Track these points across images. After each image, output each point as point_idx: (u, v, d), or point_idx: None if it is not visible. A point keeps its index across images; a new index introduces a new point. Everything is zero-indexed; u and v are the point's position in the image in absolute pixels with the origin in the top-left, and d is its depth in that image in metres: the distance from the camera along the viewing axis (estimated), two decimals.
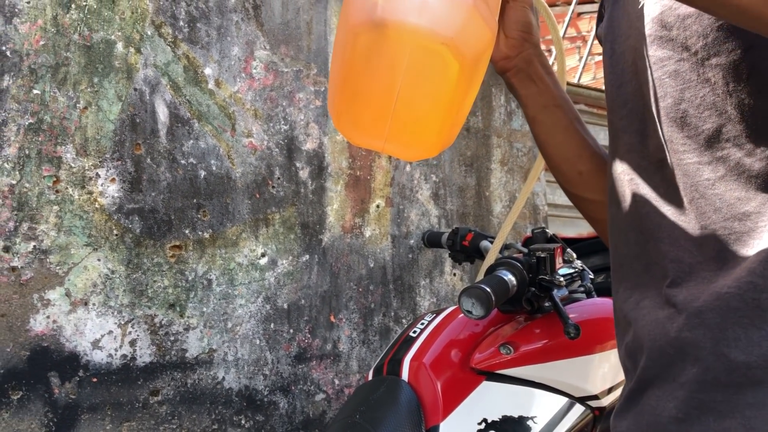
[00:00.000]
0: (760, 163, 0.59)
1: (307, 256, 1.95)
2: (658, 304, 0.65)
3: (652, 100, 0.67)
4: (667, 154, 0.65)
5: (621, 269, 0.73)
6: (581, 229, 2.98)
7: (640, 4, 0.68)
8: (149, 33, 1.69)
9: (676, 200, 0.65)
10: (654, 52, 0.66)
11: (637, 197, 0.69)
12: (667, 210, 0.65)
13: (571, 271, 1.42)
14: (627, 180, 0.71)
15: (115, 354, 1.61)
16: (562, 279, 1.29)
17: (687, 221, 0.63)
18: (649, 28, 0.66)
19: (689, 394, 0.58)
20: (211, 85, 1.78)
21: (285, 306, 1.90)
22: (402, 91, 0.61)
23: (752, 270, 0.57)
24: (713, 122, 0.62)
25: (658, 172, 0.67)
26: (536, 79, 0.92)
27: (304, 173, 1.95)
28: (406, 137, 0.65)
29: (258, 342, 1.84)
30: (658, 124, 0.66)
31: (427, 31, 0.58)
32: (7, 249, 1.46)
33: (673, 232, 0.64)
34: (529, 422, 1.23)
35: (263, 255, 1.86)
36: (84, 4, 1.58)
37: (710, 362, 0.57)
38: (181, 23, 1.74)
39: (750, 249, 0.58)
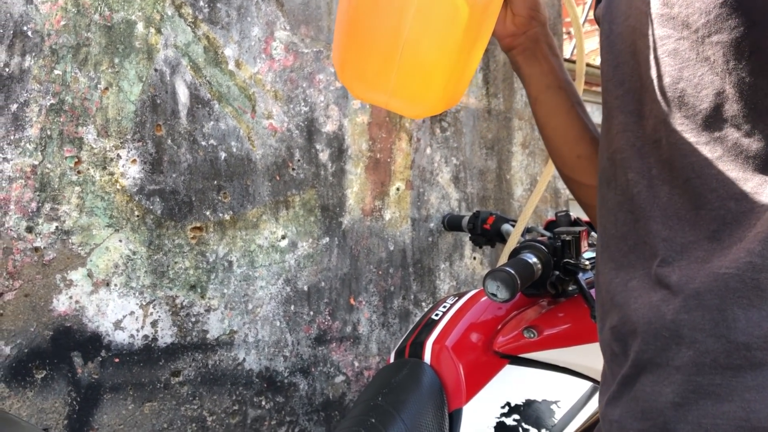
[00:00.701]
0: (758, 144, 0.58)
1: (327, 239, 1.95)
2: (648, 285, 0.64)
3: (650, 79, 0.66)
4: (664, 133, 0.65)
5: (607, 250, 0.72)
6: None
7: None
8: (169, 13, 1.67)
9: (670, 180, 0.64)
10: (654, 31, 0.65)
11: (629, 177, 0.68)
12: (660, 190, 0.65)
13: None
14: (619, 159, 0.70)
15: (137, 335, 1.61)
16: (587, 262, 1.27)
17: (681, 201, 0.63)
18: (651, 6, 0.66)
19: (687, 377, 0.58)
20: (231, 66, 1.77)
21: (305, 288, 1.90)
22: (410, 37, 0.58)
23: (750, 250, 0.56)
24: (711, 101, 0.61)
25: (653, 153, 0.66)
26: (541, 58, 0.91)
27: (324, 155, 1.94)
28: (411, 90, 0.63)
29: (278, 324, 1.85)
30: (654, 103, 0.66)
31: None
32: (30, 229, 1.47)
33: (665, 212, 0.64)
34: (553, 406, 1.22)
35: (283, 237, 1.86)
36: None
37: (709, 344, 0.56)
38: (201, 3, 1.73)
39: (747, 229, 0.58)
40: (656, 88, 0.65)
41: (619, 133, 0.70)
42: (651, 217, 0.65)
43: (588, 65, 2.84)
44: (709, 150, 0.61)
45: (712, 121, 0.61)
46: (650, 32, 0.65)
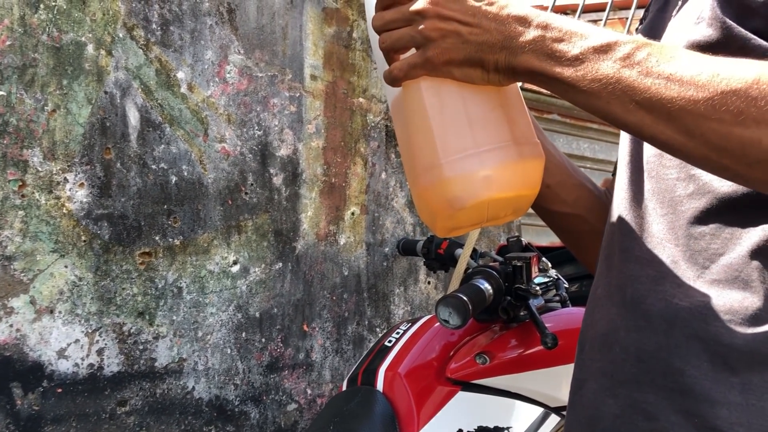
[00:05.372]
0: (728, 188, 0.61)
1: (280, 264, 1.92)
2: (607, 294, 0.68)
3: None
4: (654, 167, 0.68)
5: (601, 255, 0.76)
6: (554, 238, 2.99)
7: (675, 16, 0.69)
8: (121, 35, 1.65)
9: (648, 213, 0.67)
10: None
11: (617, 194, 0.72)
12: (630, 213, 0.69)
13: (547, 280, 1.41)
14: (620, 187, 0.74)
15: (82, 363, 1.56)
16: (538, 288, 1.29)
17: (652, 236, 0.66)
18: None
19: (628, 392, 0.62)
20: (183, 89, 1.75)
21: (257, 314, 1.87)
22: (489, 214, 0.69)
23: (704, 292, 0.60)
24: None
25: (646, 184, 0.69)
26: None
27: (278, 180, 1.93)
28: (502, 218, 0.73)
29: (229, 351, 1.81)
30: None
31: (499, 195, 0.66)
32: None
33: (624, 231, 0.68)
34: None
35: (235, 262, 1.83)
36: (53, 4, 1.55)
37: (651, 365, 0.60)
38: (154, 26, 1.71)
39: (697, 269, 0.61)
40: None
41: (628, 162, 0.73)
42: (617, 231, 0.70)
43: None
44: (684, 187, 0.64)
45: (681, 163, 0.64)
46: None
